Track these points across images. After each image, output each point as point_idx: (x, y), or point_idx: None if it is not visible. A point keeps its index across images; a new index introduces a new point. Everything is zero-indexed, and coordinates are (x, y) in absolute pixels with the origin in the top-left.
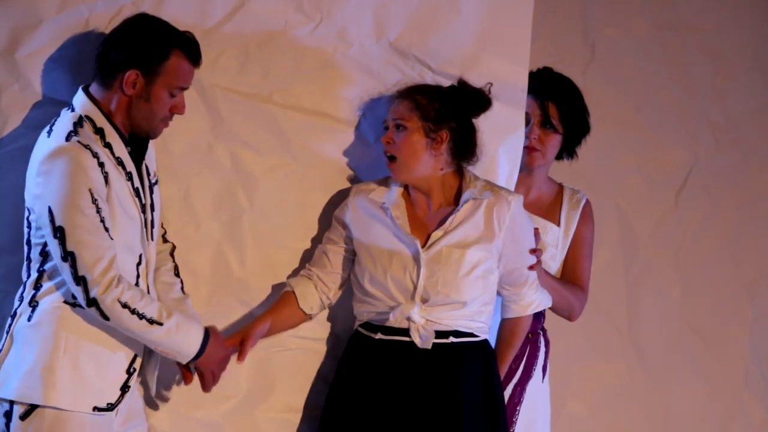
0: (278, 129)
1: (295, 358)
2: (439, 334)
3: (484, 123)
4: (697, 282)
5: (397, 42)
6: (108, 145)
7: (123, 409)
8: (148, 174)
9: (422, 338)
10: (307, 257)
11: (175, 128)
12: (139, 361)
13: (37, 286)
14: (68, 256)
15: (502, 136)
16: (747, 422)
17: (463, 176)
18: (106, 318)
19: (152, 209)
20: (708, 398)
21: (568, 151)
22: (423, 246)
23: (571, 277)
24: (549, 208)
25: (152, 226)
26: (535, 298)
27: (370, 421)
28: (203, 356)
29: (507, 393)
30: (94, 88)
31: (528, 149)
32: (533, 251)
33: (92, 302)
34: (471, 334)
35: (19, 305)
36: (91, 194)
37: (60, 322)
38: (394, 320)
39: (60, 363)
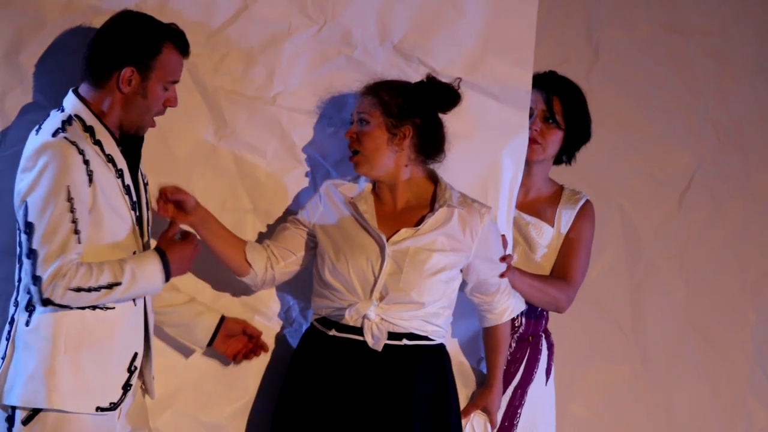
0: (282, 131)
1: None
2: (393, 335)
3: (487, 124)
4: (701, 283)
5: (401, 44)
6: (98, 143)
7: (125, 411)
8: (142, 174)
9: (374, 338)
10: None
11: (179, 131)
12: (139, 358)
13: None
14: (31, 254)
15: (506, 138)
16: (750, 423)
17: (438, 183)
18: (69, 307)
19: (147, 208)
20: (711, 400)
21: (567, 153)
22: (388, 241)
23: (559, 271)
24: (546, 209)
25: (148, 224)
26: (508, 305)
27: (318, 420)
28: (173, 272)
29: (507, 396)
30: (83, 89)
31: (528, 142)
32: (503, 258)
33: (46, 302)
34: (426, 338)
35: (15, 310)
36: (68, 192)
37: (58, 325)
38: (350, 317)
39: (61, 365)
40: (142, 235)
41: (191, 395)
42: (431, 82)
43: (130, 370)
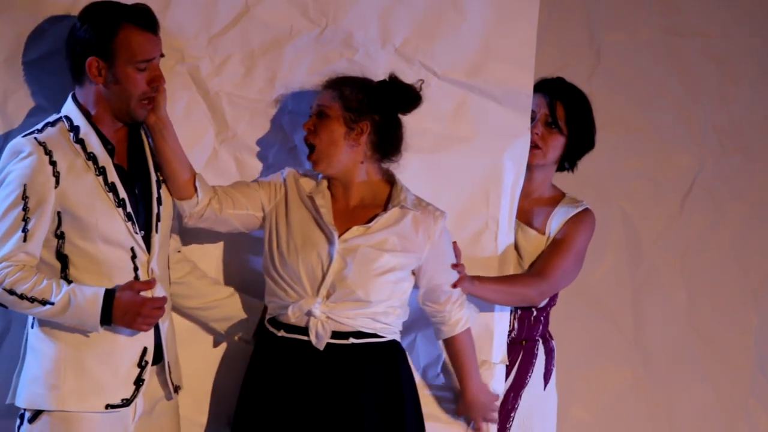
0: (284, 134)
1: None
2: (339, 334)
3: (488, 128)
4: (703, 287)
5: (403, 47)
6: (80, 141)
7: (140, 404)
8: (158, 169)
9: (318, 337)
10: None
11: (181, 133)
12: (150, 353)
13: None
14: None
15: (508, 142)
16: (752, 427)
17: (394, 184)
18: (4, 306)
19: (159, 203)
20: (713, 403)
21: (569, 160)
22: (339, 238)
23: (535, 267)
24: (540, 215)
25: (158, 219)
26: (461, 315)
27: (271, 424)
28: (115, 319)
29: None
30: (77, 91)
31: (529, 146)
32: (455, 266)
33: None
34: (374, 335)
35: None
36: (24, 190)
37: (59, 326)
38: (292, 315)
39: (63, 365)
40: (141, 230)
41: (192, 398)
42: (393, 81)
43: (141, 365)
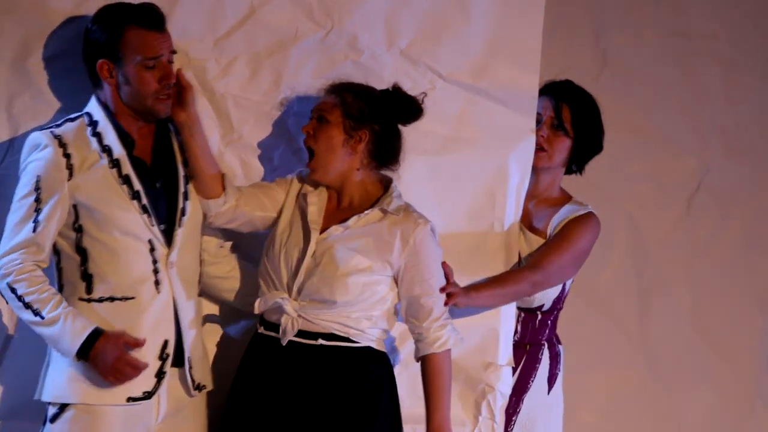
0: (289, 136)
1: None
2: (309, 335)
3: (493, 130)
4: (709, 290)
5: (408, 50)
6: (96, 135)
7: (164, 405)
8: (186, 164)
9: (284, 333)
10: None
11: None
12: (171, 346)
13: (60, 286)
14: (2, 237)
15: (513, 144)
16: (759, 430)
17: (387, 189)
18: (6, 300)
19: (185, 198)
20: (719, 407)
21: (577, 163)
22: (320, 236)
23: (530, 262)
24: (544, 218)
25: (183, 214)
26: (442, 335)
27: (243, 419)
28: (91, 359)
29: None
30: (98, 92)
31: (535, 148)
32: (444, 289)
33: None
34: (347, 339)
35: None
36: (38, 182)
37: None
38: (258, 306)
39: (81, 361)
40: (162, 224)
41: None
42: (396, 92)
43: (162, 358)
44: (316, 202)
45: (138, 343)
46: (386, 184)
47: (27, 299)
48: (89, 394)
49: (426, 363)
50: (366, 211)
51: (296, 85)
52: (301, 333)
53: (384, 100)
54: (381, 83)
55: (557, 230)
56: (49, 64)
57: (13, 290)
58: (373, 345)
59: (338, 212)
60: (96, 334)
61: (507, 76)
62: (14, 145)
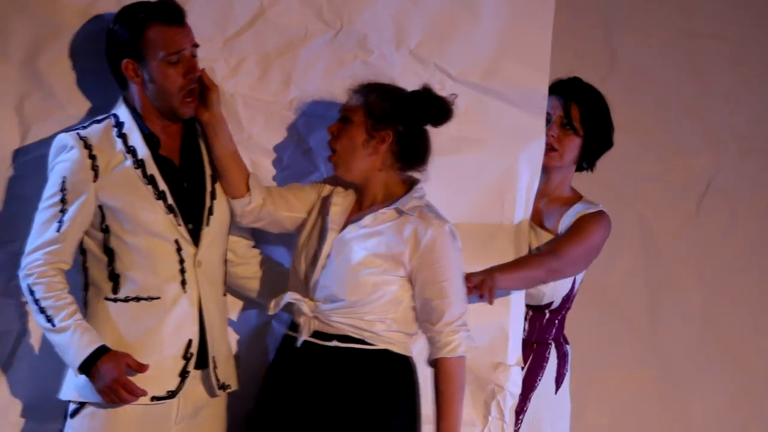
0: (298, 136)
1: None
2: (324, 336)
3: (503, 130)
4: (719, 289)
5: (417, 50)
6: (122, 135)
7: (183, 406)
8: (212, 165)
9: (300, 333)
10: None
11: None
12: (195, 345)
13: (85, 285)
14: (29, 236)
15: (522, 144)
16: None
17: (410, 189)
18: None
19: (213, 197)
20: (730, 407)
21: (587, 160)
22: (338, 235)
23: (548, 247)
24: (555, 216)
25: (210, 213)
26: (454, 339)
27: (264, 419)
28: (93, 373)
29: None
30: (125, 93)
31: (545, 148)
32: (471, 283)
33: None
34: (362, 341)
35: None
36: (63, 183)
37: (103, 319)
38: (277, 306)
39: None
40: (189, 223)
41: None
42: (426, 93)
43: (186, 357)
44: (341, 203)
45: (141, 368)
46: (411, 185)
47: (42, 304)
48: None
49: (436, 368)
50: (381, 210)
51: (306, 85)
52: (317, 334)
53: (410, 101)
54: (390, 83)
55: (569, 225)
56: (59, 65)
57: (32, 292)
58: (392, 348)
59: (360, 213)
60: (101, 352)
61: (517, 76)
62: (26, 145)
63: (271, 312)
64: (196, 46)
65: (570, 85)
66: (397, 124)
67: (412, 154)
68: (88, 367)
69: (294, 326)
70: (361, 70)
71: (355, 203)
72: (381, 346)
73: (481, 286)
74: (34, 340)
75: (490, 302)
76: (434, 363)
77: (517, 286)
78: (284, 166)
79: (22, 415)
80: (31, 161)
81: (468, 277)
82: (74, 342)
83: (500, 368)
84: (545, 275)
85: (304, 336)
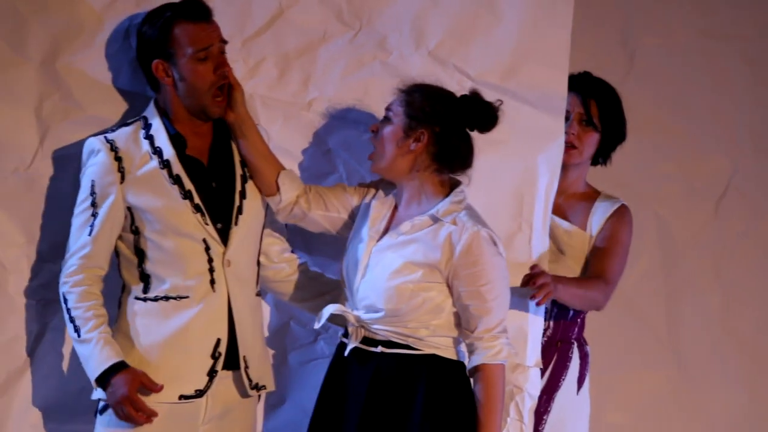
0: (317, 137)
1: None
2: (370, 341)
3: (522, 131)
4: (738, 290)
5: (437, 50)
6: (149, 137)
7: (211, 407)
8: (245, 164)
9: (348, 340)
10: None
11: None
12: (223, 345)
13: (122, 286)
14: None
15: (542, 145)
16: None
17: (450, 192)
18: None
19: (242, 197)
20: (749, 407)
21: (602, 155)
22: (377, 243)
23: (595, 271)
24: (579, 212)
25: (239, 212)
26: (495, 345)
27: (317, 425)
28: (107, 387)
29: None
30: (157, 96)
31: (565, 146)
32: (533, 279)
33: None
34: (407, 347)
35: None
36: (92, 186)
37: (134, 318)
38: (322, 317)
39: (138, 357)
40: (218, 223)
41: None
42: (471, 97)
43: (214, 356)
44: (380, 209)
45: (154, 388)
46: (452, 189)
47: (72, 313)
48: (141, 391)
49: (476, 375)
50: (418, 217)
51: (325, 85)
52: (365, 340)
53: (451, 103)
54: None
55: (601, 232)
56: (78, 66)
57: (65, 300)
58: (439, 353)
59: (400, 219)
60: (118, 367)
61: (536, 77)
62: (44, 146)
63: (316, 326)
64: (224, 42)
65: (585, 81)
66: (434, 124)
67: (450, 156)
68: (104, 380)
69: (345, 332)
70: (380, 71)
71: (395, 208)
72: (427, 350)
73: (543, 288)
74: (54, 341)
75: (537, 304)
76: (474, 370)
77: (573, 302)
78: (303, 167)
79: (42, 415)
80: (49, 162)
81: (536, 275)
82: (95, 355)
83: (519, 369)
84: (603, 301)
85: (352, 344)
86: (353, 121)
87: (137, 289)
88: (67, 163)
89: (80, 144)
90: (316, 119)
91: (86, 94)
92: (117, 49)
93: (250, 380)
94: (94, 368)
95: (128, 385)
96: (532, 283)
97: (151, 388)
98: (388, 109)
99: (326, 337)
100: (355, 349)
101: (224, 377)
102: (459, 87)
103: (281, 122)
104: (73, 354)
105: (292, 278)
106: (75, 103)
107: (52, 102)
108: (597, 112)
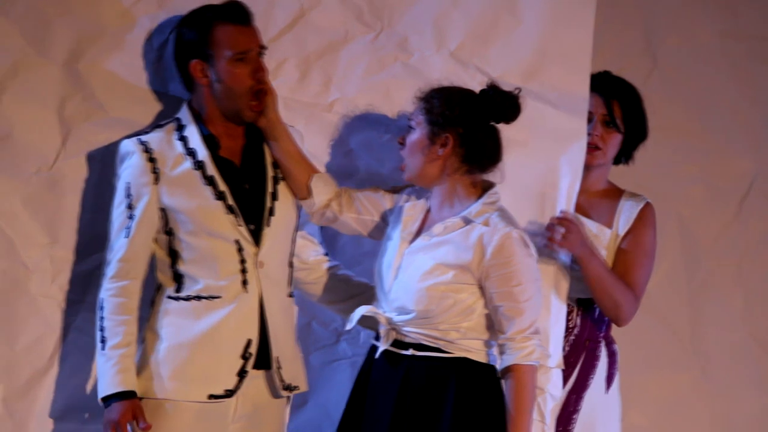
0: (339, 138)
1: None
2: (402, 344)
3: (544, 132)
4: (760, 292)
5: (458, 51)
6: (183, 138)
7: (241, 406)
8: (276, 166)
9: (380, 342)
10: (369, 268)
11: None
12: (254, 345)
13: (157, 286)
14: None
15: (564, 146)
16: None
17: (483, 194)
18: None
19: (274, 198)
20: None
21: (625, 155)
22: (409, 246)
23: (625, 278)
24: (605, 211)
25: (271, 214)
26: (527, 345)
27: (347, 426)
28: (113, 405)
29: (560, 400)
30: (191, 97)
31: (588, 147)
32: (558, 222)
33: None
34: (438, 349)
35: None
36: (128, 189)
37: (166, 317)
38: (353, 319)
39: (169, 356)
40: (251, 224)
41: None
42: (486, 91)
43: (245, 357)
44: (413, 212)
45: (145, 428)
46: (484, 190)
47: (104, 323)
48: (171, 389)
49: (507, 376)
50: (450, 219)
51: (346, 86)
52: (396, 343)
53: (471, 101)
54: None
55: (628, 233)
56: (101, 66)
57: (102, 307)
58: (470, 356)
59: (432, 221)
60: (122, 395)
61: (558, 78)
62: (66, 147)
63: (348, 328)
64: (263, 47)
65: (606, 81)
66: (457, 126)
67: (478, 155)
68: (107, 399)
69: (377, 335)
70: (401, 72)
71: (428, 211)
72: (458, 353)
73: (566, 226)
74: (76, 341)
75: (550, 240)
76: (506, 371)
77: (596, 286)
78: (325, 168)
79: (63, 415)
80: (71, 163)
81: (565, 218)
82: (109, 375)
83: (541, 370)
84: (627, 309)
85: (383, 346)
86: (374, 122)
87: (171, 288)
88: (90, 163)
89: (103, 145)
90: (337, 120)
91: (109, 95)
92: (139, 49)
93: (282, 381)
94: (103, 387)
95: (121, 414)
96: (557, 220)
97: (143, 427)
98: (409, 119)
99: (348, 337)
100: (386, 351)
101: (255, 377)
102: (480, 88)
103: (303, 123)
104: (95, 353)
105: (323, 280)
106: (97, 104)
107: (75, 103)
108: (620, 113)
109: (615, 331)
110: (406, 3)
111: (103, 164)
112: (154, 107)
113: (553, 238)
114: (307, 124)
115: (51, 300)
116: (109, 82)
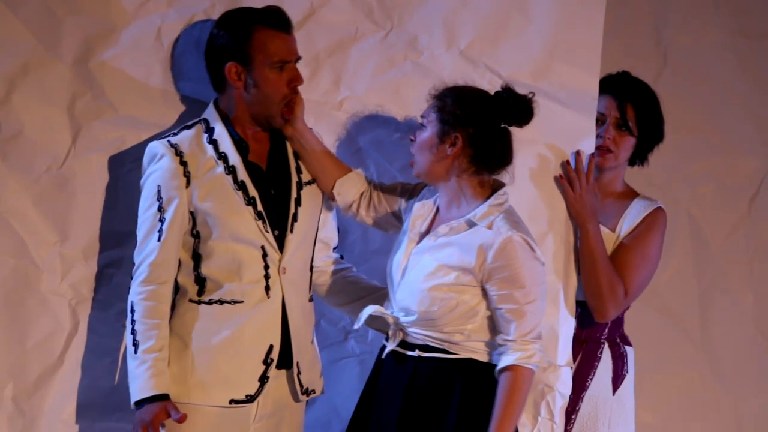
0: (348, 136)
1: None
2: (409, 345)
3: (553, 131)
4: None
5: (468, 50)
6: (213, 141)
7: (263, 405)
8: (300, 171)
9: (388, 342)
10: (382, 266)
11: None
12: (276, 351)
13: (177, 288)
14: (136, 248)
15: (573, 145)
16: None
17: (492, 195)
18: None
19: (297, 204)
20: None
21: (639, 157)
22: (416, 246)
23: (621, 273)
24: (613, 214)
25: (294, 220)
26: (528, 348)
27: (355, 426)
28: (143, 407)
29: None
30: (218, 98)
31: (600, 150)
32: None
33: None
34: (444, 350)
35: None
36: (159, 191)
37: (187, 320)
38: (361, 318)
39: (191, 360)
40: (275, 230)
41: None
42: (505, 92)
43: (266, 363)
44: (422, 213)
45: (180, 419)
46: (494, 191)
47: (136, 326)
48: (192, 394)
49: (504, 374)
50: (456, 220)
51: (356, 85)
52: (403, 344)
53: (484, 102)
54: (440, 84)
55: (631, 233)
56: (111, 65)
57: (132, 310)
58: (476, 357)
59: (440, 222)
60: (155, 398)
61: (567, 77)
62: (76, 145)
63: (355, 327)
64: (299, 57)
65: (623, 82)
66: (467, 126)
67: (487, 157)
68: (140, 403)
69: (387, 335)
70: (411, 71)
71: (437, 211)
72: (464, 354)
73: (583, 191)
74: (86, 340)
75: (569, 187)
76: (503, 369)
77: (586, 260)
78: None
79: (74, 413)
80: (81, 161)
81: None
82: (142, 379)
83: (550, 368)
84: (612, 308)
85: (390, 346)
86: (384, 121)
87: (192, 291)
88: (100, 162)
89: (113, 143)
90: (347, 119)
91: (118, 94)
92: (149, 48)
93: (301, 385)
94: (136, 391)
95: (155, 415)
96: (572, 169)
97: (178, 420)
98: (422, 116)
99: (356, 335)
100: (393, 352)
101: (276, 377)
102: (490, 87)
103: (312, 122)
104: (106, 352)
105: (331, 281)
106: (107, 103)
107: (85, 101)
108: (633, 116)
109: (625, 329)
110: (416, 2)
111: (113, 162)
112: (164, 106)
113: (574, 188)
114: (316, 122)
115: (61, 298)
116: (119, 80)
